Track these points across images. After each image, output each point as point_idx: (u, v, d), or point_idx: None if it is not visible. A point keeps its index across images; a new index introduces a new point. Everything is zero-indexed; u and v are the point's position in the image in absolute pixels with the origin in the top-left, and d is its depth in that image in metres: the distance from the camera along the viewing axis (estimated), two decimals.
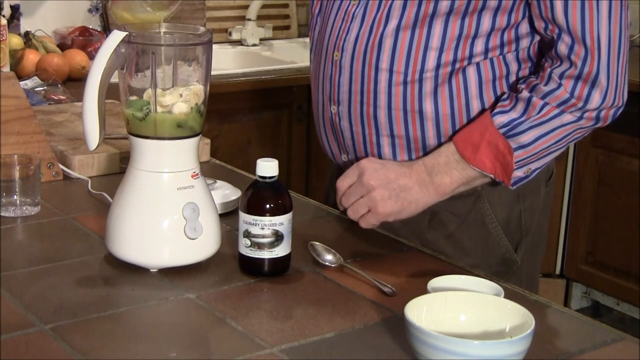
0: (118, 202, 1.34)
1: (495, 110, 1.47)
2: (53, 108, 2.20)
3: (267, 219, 1.31)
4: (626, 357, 1.17)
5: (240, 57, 3.52)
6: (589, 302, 3.57)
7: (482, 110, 1.51)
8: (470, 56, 1.50)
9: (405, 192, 1.46)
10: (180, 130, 1.31)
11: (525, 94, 1.46)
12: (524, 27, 1.49)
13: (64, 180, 1.75)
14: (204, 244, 1.34)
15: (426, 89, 1.51)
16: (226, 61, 3.44)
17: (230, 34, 3.62)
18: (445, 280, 1.23)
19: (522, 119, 1.46)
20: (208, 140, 1.93)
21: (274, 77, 3.09)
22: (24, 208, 1.56)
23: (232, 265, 1.37)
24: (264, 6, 3.66)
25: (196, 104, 1.32)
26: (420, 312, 1.11)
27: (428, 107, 1.51)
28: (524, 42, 1.50)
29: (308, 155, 3.18)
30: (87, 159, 1.78)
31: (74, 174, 1.76)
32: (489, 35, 1.49)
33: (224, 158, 1.95)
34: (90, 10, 3.35)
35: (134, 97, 1.32)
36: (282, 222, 1.32)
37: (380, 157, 1.56)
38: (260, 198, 1.32)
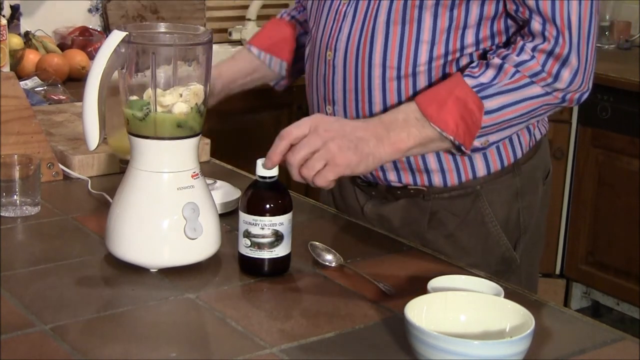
0: (118, 202, 1.34)
1: (465, 75, 1.44)
2: (53, 108, 2.20)
3: (267, 219, 1.31)
4: (626, 357, 1.17)
5: None
6: (589, 302, 3.57)
7: None
8: (462, 48, 1.49)
9: (363, 143, 1.40)
10: (180, 130, 1.31)
11: (496, 60, 1.44)
12: None
13: (64, 180, 1.75)
14: (204, 244, 1.34)
15: (420, 83, 1.51)
16: None
17: (230, 34, 3.62)
18: (445, 280, 1.23)
19: (493, 83, 1.43)
20: (208, 140, 1.93)
21: None
22: (24, 208, 1.56)
23: (232, 265, 1.37)
24: (264, 6, 3.66)
25: (196, 104, 1.32)
26: (420, 312, 1.11)
27: None
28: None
29: None
30: (87, 159, 1.78)
31: (74, 174, 1.76)
32: (478, 25, 1.48)
33: (224, 158, 1.95)
34: (90, 10, 3.35)
35: (134, 97, 1.32)
36: (282, 222, 1.32)
37: None
38: (260, 198, 1.32)
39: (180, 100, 1.31)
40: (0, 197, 1.54)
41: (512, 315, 1.12)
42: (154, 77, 1.29)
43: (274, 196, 1.32)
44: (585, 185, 3.38)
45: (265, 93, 3.12)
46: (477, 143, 1.46)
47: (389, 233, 1.56)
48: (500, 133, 1.47)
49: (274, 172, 1.33)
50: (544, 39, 1.42)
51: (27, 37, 2.94)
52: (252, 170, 1.39)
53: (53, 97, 2.54)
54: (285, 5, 3.79)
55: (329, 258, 1.39)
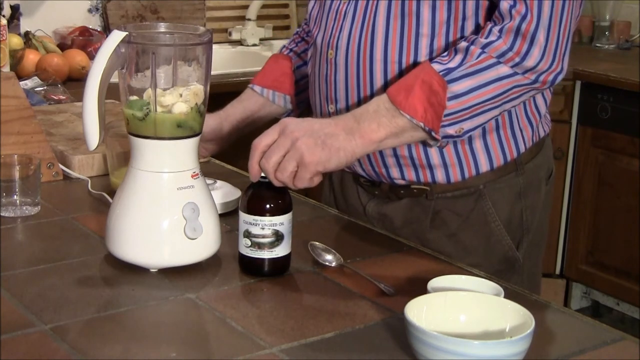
0: (118, 202, 1.34)
1: (433, 61, 1.44)
2: (53, 108, 2.20)
3: (267, 219, 1.31)
4: (626, 357, 1.17)
5: (240, 57, 3.52)
6: (589, 302, 3.57)
7: None
8: (463, 40, 1.49)
9: (332, 138, 1.38)
10: (180, 130, 1.31)
11: (463, 44, 1.43)
12: None
13: (64, 180, 1.75)
14: (204, 244, 1.34)
15: None
16: (226, 61, 3.45)
17: (230, 34, 3.62)
18: (445, 280, 1.23)
19: (459, 66, 1.42)
20: None
21: None
22: (24, 208, 1.56)
23: (232, 265, 1.37)
24: (263, 6, 3.67)
25: (196, 104, 1.32)
26: (420, 312, 1.11)
27: None
28: None
29: None
30: (87, 159, 1.78)
31: (74, 174, 1.76)
32: (476, 15, 1.48)
33: (224, 158, 1.95)
34: (90, 10, 3.35)
35: (134, 97, 1.32)
36: (282, 222, 1.32)
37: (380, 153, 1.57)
38: (260, 198, 1.32)
39: (180, 100, 1.31)
40: (0, 197, 1.54)
41: (512, 315, 1.12)
42: (154, 77, 1.29)
43: (274, 196, 1.32)
44: (585, 185, 3.38)
45: None
46: (452, 131, 1.44)
47: (390, 233, 1.56)
48: (474, 120, 1.44)
49: None
50: (511, 17, 1.41)
51: (27, 37, 2.94)
52: None
53: (53, 97, 2.54)
54: (286, 5, 3.79)
55: (329, 258, 1.39)
